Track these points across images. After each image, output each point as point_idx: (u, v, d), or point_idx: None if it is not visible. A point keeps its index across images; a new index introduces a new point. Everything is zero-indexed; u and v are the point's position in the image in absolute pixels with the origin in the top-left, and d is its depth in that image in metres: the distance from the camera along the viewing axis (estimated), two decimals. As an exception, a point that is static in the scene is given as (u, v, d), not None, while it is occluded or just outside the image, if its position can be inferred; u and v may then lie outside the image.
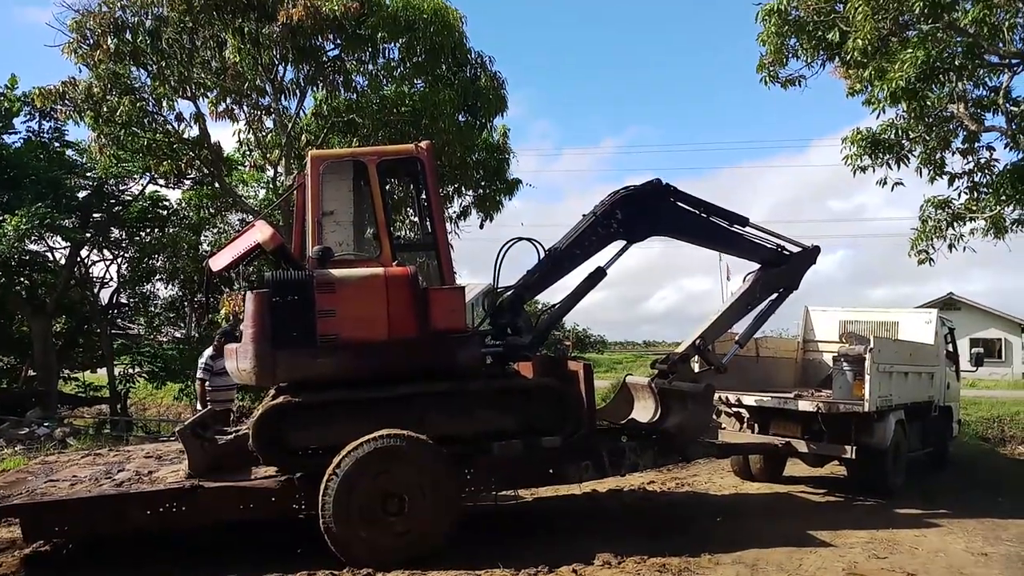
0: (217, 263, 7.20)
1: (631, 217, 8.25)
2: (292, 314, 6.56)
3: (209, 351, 10.17)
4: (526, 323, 7.87)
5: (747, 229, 9.13)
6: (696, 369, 9.28)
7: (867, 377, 9.26)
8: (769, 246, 9.37)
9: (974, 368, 13.81)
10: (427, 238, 7.77)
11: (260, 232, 6.90)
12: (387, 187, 8.59)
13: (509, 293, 7.86)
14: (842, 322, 12.54)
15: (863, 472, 9.81)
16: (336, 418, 6.72)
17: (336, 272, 6.79)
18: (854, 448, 9.41)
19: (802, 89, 13.27)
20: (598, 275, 8.34)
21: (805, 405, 9.69)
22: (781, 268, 9.47)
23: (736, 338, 9.82)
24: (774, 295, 9.61)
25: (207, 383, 9.95)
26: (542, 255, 7.95)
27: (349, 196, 7.55)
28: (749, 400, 10.22)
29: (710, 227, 8.87)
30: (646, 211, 8.39)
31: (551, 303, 8.63)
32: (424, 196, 7.69)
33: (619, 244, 8.45)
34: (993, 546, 7.47)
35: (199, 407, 10.22)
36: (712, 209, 8.79)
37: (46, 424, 15.81)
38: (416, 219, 10.82)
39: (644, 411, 8.75)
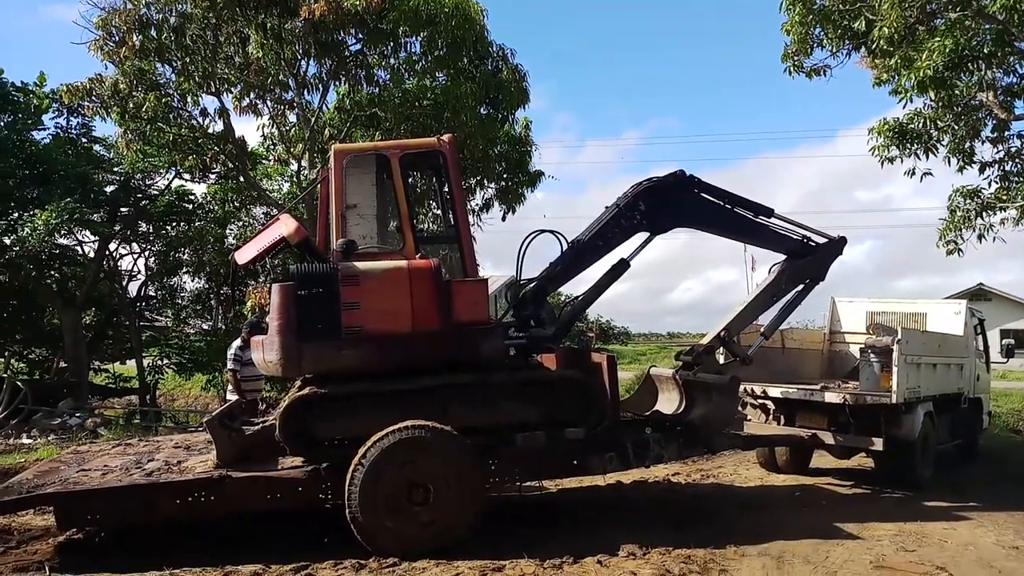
0: (243, 256, 7.28)
1: (654, 208, 8.19)
2: (317, 306, 6.61)
3: (238, 342, 10.29)
4: (549, 315, 7.87)
5: (772, 220, 9.04)
6: (721, 361, 9.23)
7: (895, 369, 9.14)
8: (795, 237, 9.28)
9: (1005, 359, 13.56)
10: (450, 231, 7.80)
11: (285, 225, 6.97)
12: (409, 180, 8.62)
13: (532, 285, 7.87)
14: (869, 313, 12.37)
15: (891, 464, 9.69)
16: (361, 409, 6.76)
17: (360, 265, 6.83)
18: (882, 440, 9.31)
19: (827, 79, 13.17)
20: (621, 267, 8.31)
21: (832, 397, 9.58)
22: (807, 259, 9.38)
23: (761, 330, 9.75)
24: (800, 286, 9.51)
25: (239, 374, 10.07)
26: (565, 247, 7.93)
27: (372, 189, 7.59)
28: (775, 392, 10.14)
29: (735, 218, 8.78)
30: (669, 202, 8.32)
31: (574, 295, 8.61)
32: (447, 189, 7.71)
33: (642, 236, 8.42)
34: (1024, 539, 7.39)
35: (231, 397, 10.36)
36: (736, 200, 8.71)
37: (77, 414, 16.09)
38: (439, 212, 10.85)
39: (668, 403, 8.73)
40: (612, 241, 8.11)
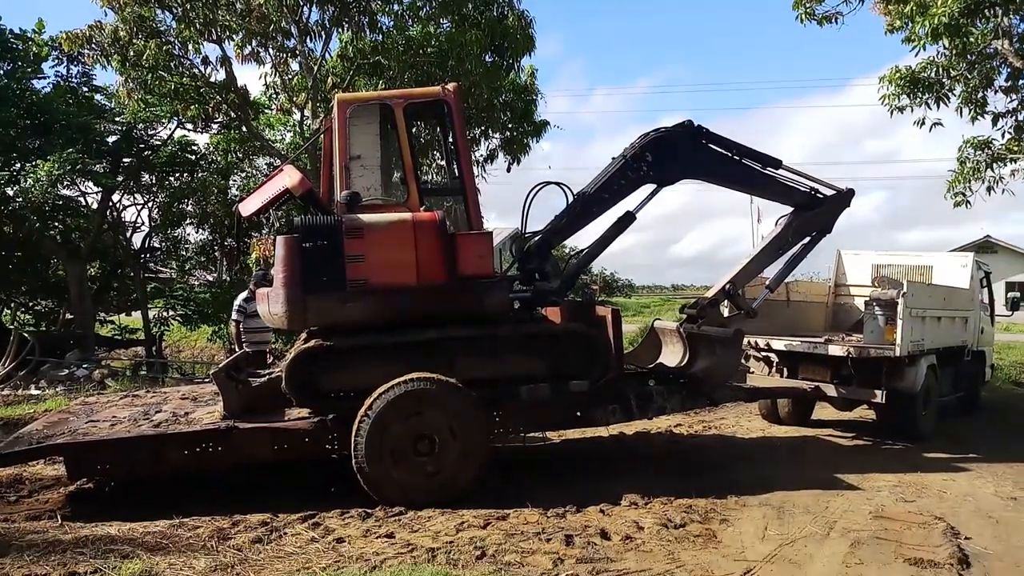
0: (247, 208, 7.27)
1: (661, 160, 8.12)
2: (322, 259, 6.63)
3: (244, 294, 10.31)
4: (554, 268, 7.86)
5: (780, 172, 8.96)
6: (726, 314, 9.23)
7: (899, 322, 9.15)
8: (803, 189, 9.20)
9: (1010, 312, 13.53)
10: (454, 182, 7.74)
11: (288, 177, 6.94)
12: (413, 130, 8.51)
13: (537, 238, 7.83)
14: (875, 266, 12.34)
15: (893, 416, 9.77)
16: (366, 362, 6.82)
17: (364, 217, 6.81)
18: (884, 392, 9.35)
19: (839, 26, 12.87)
20: (627, 219, 8.26)
21: (835, 349, 9.60)
22: (814, 211, 9.31)
23: (767, 282, 9.73)
24: (806, 239, 9.48)
25: (241, 325, 10.11)
26: (570, 200, 7.87)
27: (376, 140, 7.50)
28: (778, 344, 10.15)
29: (743, 170, 8.70)
30: (677, 154, 8.24)
31: (579, 247, 8.56)
32: (451, 139, 7.61)
33: (649, 188, 8.33)
34: (1023, 490, 7.44)
35: (236, 349, 10.43)
36: (745, 151, 8.62)
37: (85, 366, 16.22)
38: (443, 163, 10.75)
39: (672, 355, 8.76)
40: (618, 193, 8.06)
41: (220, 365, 7.44)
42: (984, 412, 12.30)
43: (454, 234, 7.04)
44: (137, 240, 22.15)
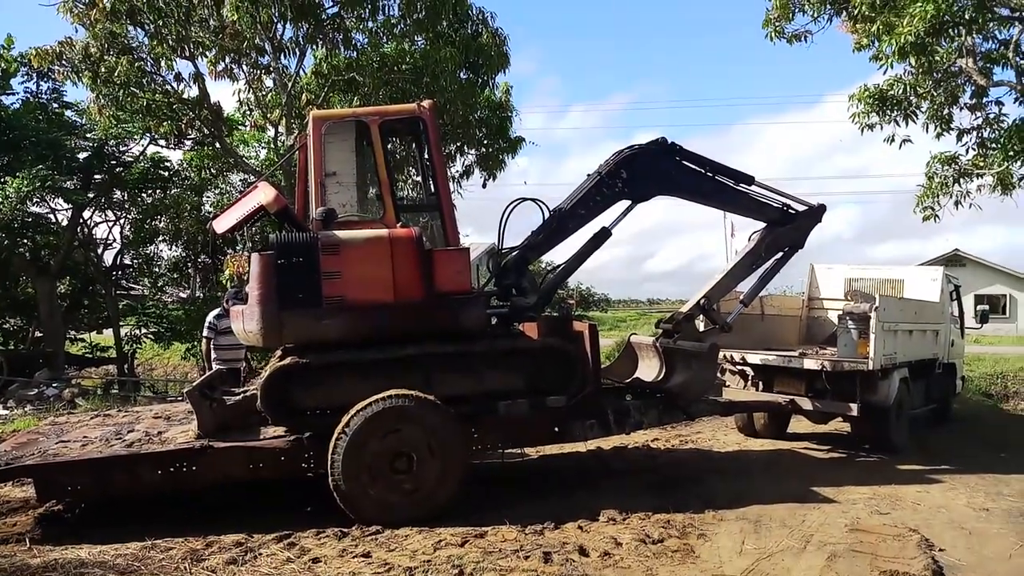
0: (221, 225, 7.18)
1: (636, 176, 8.18)
2: (297, 276, 6.58)
3: (216, 311, 10.25)
4: (531, 283, 7.89)
5: (753, 188, 9.05)
6: (701, 328, 9.29)
7: (872, 336, 9.28)
8: (775, 205, 9.30)
9: (979, 326, 13.74)
10: (431, 199, 7.74)
11: (264, 194, 6.88)
12: (389, 147, 8.52)
13: (514, 254, 7.85)
14: (847, 279, 12.50)
15: (867, 429, 9.90)
16: (343, 379, 6.77)
17: (341, 233, 6.79)
18: (859, 405, 9.47)
19: (808, 45, 13.13)
20: (603, 235, 8.30)
21: (810, 363, 9.70)
22: (787, 227, 9.40)
23: (741, 297, 9.82)
24: (779, 254, 9.55)
25: (213, 342, 10.03)
26: (546, 216, 7.91)
27: (352, 157, 7.49)
28: (754, 358, 10.24)
29: (716, 186, 8.78)
30: (651, 170, 8.31)
31: (556, 263, 8.59)
32: (427, 156, 7.62)
33: (624, 204, 8.40)
34: (995, 501, 7.55)
35: (207, 366, 10.33)
36: (718, 168, 8.72)
37: (54, 385, 15.95)
38: (418, 179, 10.74)
39: (649, 370, 8.81)
40: (594, 209, 8.10)
41: (194, 384, 7.36)
42: (956, 424, 12.47)
43: (431, 250, 7.03)
44: (108, 257, 21.90)
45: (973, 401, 15.42)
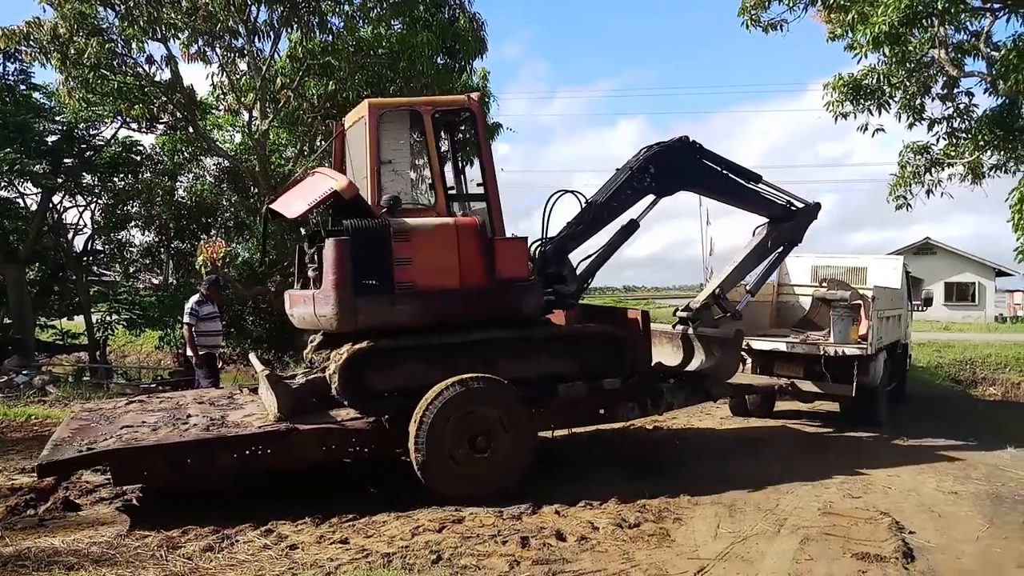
0: (291, 210, 7.25)
1: (662, 172, 8.57)
2: (371, 262, 6.75)
3: (196, 297, 10.21)
4: (570, 272, 8.23)
5: (760, 186, 9.51)
6: (715, 316, 9.72)
7: (871, 322, 10.07)
8: (779, 202, 9.74)
9: (923, 309, 14.79)
10: (478, 188, 7.92)
11: (337, 180, 6.99)
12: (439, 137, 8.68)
13: (553, 243, 8.13)
14: (814, 267, 12.81)
15: (859, 407, 10.56)
16: (413, 362, 7.01)
17: (411, 221, 6.99)
18: (856, 386, 10.08)
19: (784, 34, 13.17)
20: (632, 227, 8.62)
21: (813, 349, 10.31)
22: (789, 224, 9.86)
23: (747, 287, 10.22)
24: (780, 248, 10.05)
25: (194, 328, 9.98)
26: (582, 207, 8.23)
27: (405, 145, 7.73)
28: (759, 344, 10.70)
29: (731, 184, 9.27)
30: (676, 167, 8.72)
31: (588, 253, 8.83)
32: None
33: (650, 198, 8.73)
34: (963, 485, 7.69)
35: (188, 352, 10.33)
36: (731, 166, 9.20)
37: (24, 372, 15.70)
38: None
39: (668, 355, 9.21)
40: (625, 203, 8.48)
41: (267, 369, 7.49)
42: (925, 409, 12.71)
43: (492, 239, 7.23)
44: (79, 243, 21.58)
45: (943, 387, 15.69)
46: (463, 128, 8.96)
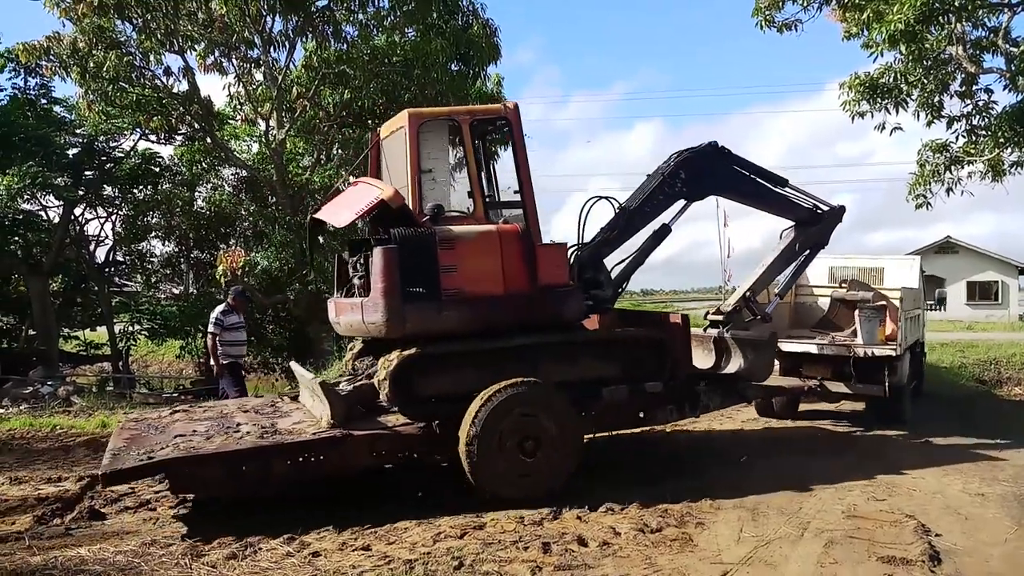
0: (338, 219, 7.39)
1: (693, 177, 8.70)
2: (418, 269, 6.85)
3: (221, 307, 10.32)
4: (606, 277, 8.34)
5: (786, 190, 9.57)
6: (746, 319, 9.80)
7: (900, 323, 10.25)
8: (806, 205, 9.80)
9: (937, 308, 14.60)
10: (515, 196, 7.97)
11: (384, 190, 7.08)
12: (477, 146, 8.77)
13: (588, 249, 8.22)
14: (831, 268, 12.75)
15: (888, 406, 10.57)
16: (460, 368, 7.10)
17: (455, 228, 7.11)
18: (887, 386, 10.15)
19: (798, 34, 13.10)
20: (663, 232, 8.78)
21: (844, 351, 10.37)
22: (816, 227, 9.91)
23: (776, 291, 10.34)
24: (807, 251, 10.10)
25: (219, 338, 10.07)
26: (616, 212, 8.35)
27: (445, 154, 7.81)
28: (789, 346, 10.70)
29: (759, 188, 9.36)
30: (706, 172, 8.84)
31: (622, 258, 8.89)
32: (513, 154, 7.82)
33: (681, 202, 8.91)
34: (990, 486, 7.58)
35: (212, 363, 10.46)
36: (758, 170, 9.28)
37: (49, 383, 15.89)
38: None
39: (701, 359, 9.21)
40: (658, 208, 8.63)
41: (317, 378, 7.60)
42: (950, 409, 12.55)
43: (534, 245, 7.32)
44: (101, 254, 21.85)
45: (967, 387, 15.50)
46: (493, 135, 9.11)
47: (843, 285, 11.75)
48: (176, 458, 6.25)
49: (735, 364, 9.10)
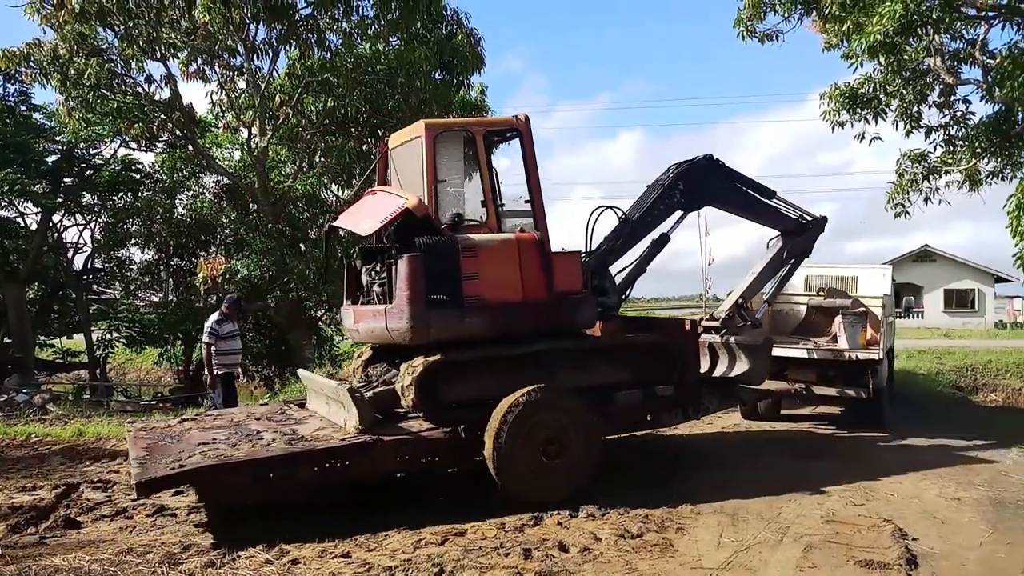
0: (362, 227, 7.43)
1: (690, 189, 9.03)
2: (441, 277, 6.96)
3: (215, 316, 10.21)
4: (612, 285, 8.63)
5: (774, 201, 9.90)
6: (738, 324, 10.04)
7: (881, 328, 10.73)
8: (793, 216, 10.13)
9: (904, 315, 15.17)
10: (526, 205, 8.09)
11: (408, 199, 7.15)
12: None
13: (594, 257, 8.41)
14: (807, 276, 12.86)
15: (868, 409, 10.95)
16: (480, 374, 7.24)
17: (476, 237, 7.23)
18: (870, 389, 10.54)
19: (779, 44, 13.20)
20: (663, 240, 9.08)
21: (830, 355, 10.79)
22: (802, 237, 10.24)
23: (765, 297, 10.57)
24: (793, 260, 10.42)
25: (213, 347, 9.98)
26: (619, 222, 8.62)
27: (460, 165, 7.92)
28: (779, 351, 10.78)
29: (750, 199, 9.71)
30: (702, 183, 9.17)
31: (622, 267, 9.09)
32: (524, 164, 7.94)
33: (679, 213, 9.17)
34: (966, 491, 7.67)
35: (206, 372, 10.39)
36: (749, 182, 9.62)
37: (24, 391, 15.70)
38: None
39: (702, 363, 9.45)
40: (659, 217, 8.95)
41: (344, 384, 7.61)
42: (928, 415, 12.66)
43: (550, 253, 7.50)
44: (79, 261, 21.65)
45: (944, 393, 15.65)
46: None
47: (820, 293, 11.92)
48: (209, 466, 6.24)
49: (737, 368, 9.42)
